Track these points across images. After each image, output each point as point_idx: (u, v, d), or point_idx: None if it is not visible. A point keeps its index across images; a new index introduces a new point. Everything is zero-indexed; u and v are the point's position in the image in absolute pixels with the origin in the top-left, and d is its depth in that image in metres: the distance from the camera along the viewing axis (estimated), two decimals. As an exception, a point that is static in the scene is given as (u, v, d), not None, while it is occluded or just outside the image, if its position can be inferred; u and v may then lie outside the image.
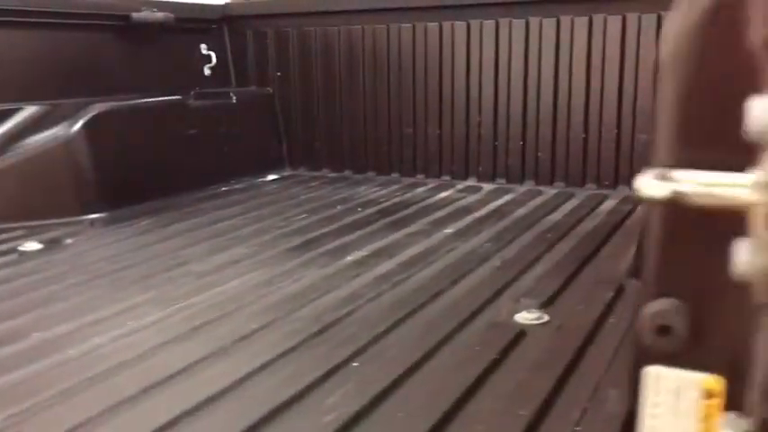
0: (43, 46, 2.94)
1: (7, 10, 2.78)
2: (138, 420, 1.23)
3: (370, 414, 1.23)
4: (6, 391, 1.35)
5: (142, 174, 3.01)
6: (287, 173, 3.79)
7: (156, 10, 3.37)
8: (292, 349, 1.51)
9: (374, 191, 3.26)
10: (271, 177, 3.68)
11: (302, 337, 1.57)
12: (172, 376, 1.39)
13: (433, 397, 1.28)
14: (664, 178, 0.47)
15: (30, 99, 2.82)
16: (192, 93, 3.45)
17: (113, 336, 1.60)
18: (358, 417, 1.22)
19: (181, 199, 3.04)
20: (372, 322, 1.66)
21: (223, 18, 3.87)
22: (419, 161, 3.52)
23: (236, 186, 3.41)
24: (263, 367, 1.42)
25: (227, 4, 3.90)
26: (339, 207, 2.91)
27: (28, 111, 2.79)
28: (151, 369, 1.42)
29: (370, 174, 3.63)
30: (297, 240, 2.41)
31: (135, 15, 3.29)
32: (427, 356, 1.46)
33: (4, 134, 2.72)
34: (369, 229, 2.54)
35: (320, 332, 1.60)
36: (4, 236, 2.47)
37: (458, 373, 1.37)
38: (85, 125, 2.80)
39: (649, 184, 0.48)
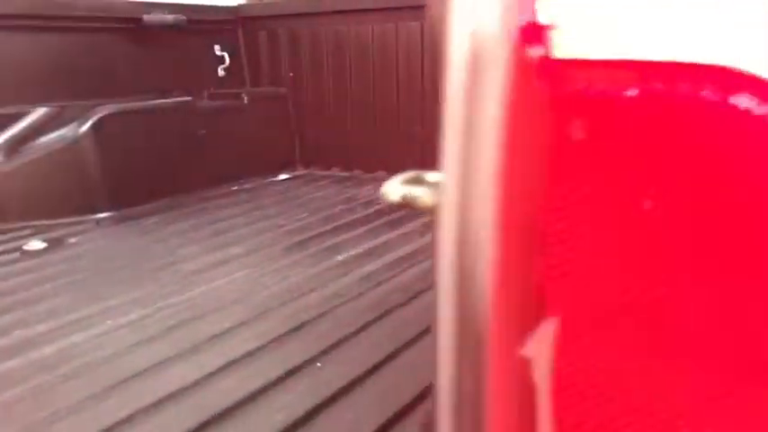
0: (55, 49, 3.00)
1: (19, 15, 2.84)
2: (96, 417, 1.26)
3: (320, 414, 1.25)
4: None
5: (151, 174, 3.05)
6: (298, 172, 3.82)
7: (167, 12, 3.42)
8: (260, 348, 1.53)
9: (379, 190, 3.26)
10: (282, 176, 3.71)
11: (273, 336, 1.59)
12: (137, 375, 1.42)
13: (385, 399, 1.29)
14: (410, 181, 0.48)
15: (41, 101, 2.88)
16: (205, 93, 3.49)
17: (91, 334, 1.64)
18: (308, 416, 1.24)
19: (189, 198, 3.09)
20: (346, 322, 1.67)
21: (236, 19, 3.91)
22: (428, 160, 3.52)
23: (246, 186, 3.45)
24: (227, 366, 1.44)
25: (240, 6, 3.94)
26: (340, 207, 2.92)
27: (38, 113, 2.85)
28: (119, 368, 1.46)
29: (380, 173, 3.63)
30: (292, 240, 2.43)
31: (146, 17, 3.34)
32: (390, 357, 1.47)
33: (16, 135, 2.78)
34: (364, 228, 2.55)
35: (292, 331, 1.62)
36: (11, 235, 2.53)
37: (416, 375, 1.38)
38: (93, 126, 2.85)
39: (391, 188, 0.49)
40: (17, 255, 2.33)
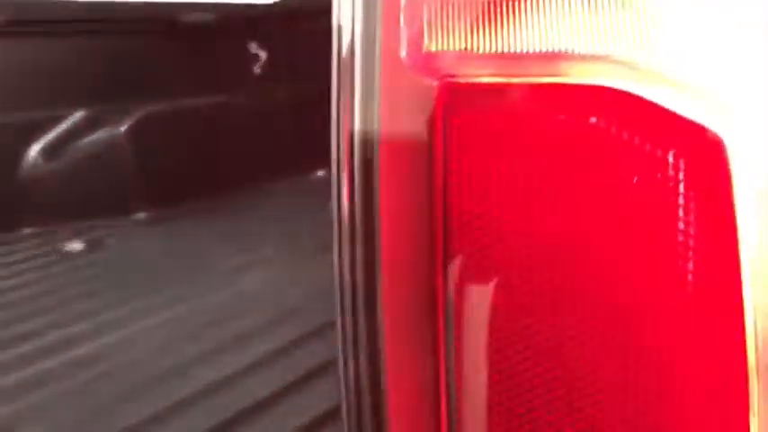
0: (91, 53, 3.05)
1: (56, 21, 2.90)
2: (125, 416, 1.29)
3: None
4: (8, 389, 1.42)
5: (187, 175, 3.09)
6: (336, 169, 3.82)
7: (202, 12, 3.44)
8: (286, 348, 1.55)
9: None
10: (319, 174, 3.72)
11: (299, 336, 1.60)
12: (166, 374, 1.44)
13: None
14: None
15: (79, 105, 2.93)
16: (241, 92, 3.52)
17: (123, 335, 1.66)
18: (329, 416, 1.25)
19: (226, 198, 3.10)
20: (375, 321, 1.67)
21: (272, 16, 3.92)
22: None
23: (283, 185, 3.46)
24: (252, 366, 1.45)
25: (275, 2, 3.95)
26: (375, 203, 2.92)
27: (77, 116, 2.90)
28: (149, 367, 1.48)
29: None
30: (327, 239, 2.42)
31: (182, 18, 3.37)
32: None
33: (55, 138, 2.84)
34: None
35: (319, 331, 1.63)
36: (50, 237, 2.58)
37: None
38: (130, 129, 2.90)
39: None
40: (56, 256, 2.38)
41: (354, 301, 0.49)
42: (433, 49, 0.47)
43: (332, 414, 1.25)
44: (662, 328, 0.44)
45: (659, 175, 0.43)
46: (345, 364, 0.50)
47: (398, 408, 0.50)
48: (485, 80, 0.46)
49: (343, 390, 0.51)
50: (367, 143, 0.47)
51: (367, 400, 0.50)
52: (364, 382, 0.50)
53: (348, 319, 0.49)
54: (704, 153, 0.42)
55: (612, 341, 0.46)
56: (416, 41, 0.47)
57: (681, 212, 0.42)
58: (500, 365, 0.48)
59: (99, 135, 2.89)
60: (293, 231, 2.55)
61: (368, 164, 0.48)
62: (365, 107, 0.47)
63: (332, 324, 1.67)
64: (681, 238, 0.42)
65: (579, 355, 0.47)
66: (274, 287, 1.96)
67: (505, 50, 0.45)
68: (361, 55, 0.47)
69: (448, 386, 0.49)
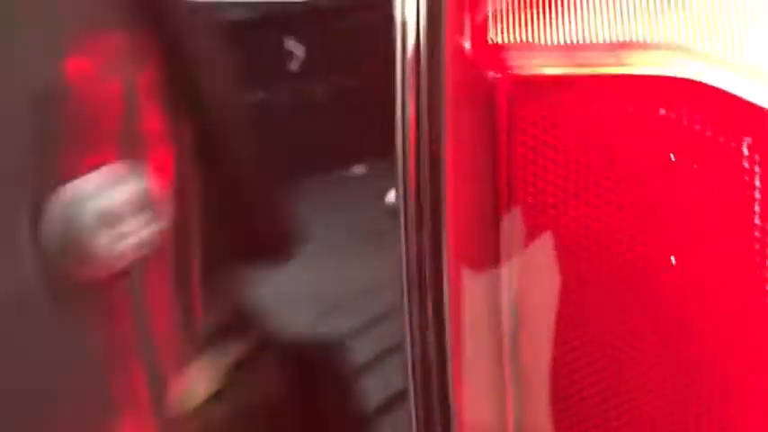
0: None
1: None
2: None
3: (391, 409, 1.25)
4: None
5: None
6: (376, 164, 3.81)
7: (237, 9, 3.45)
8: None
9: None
10: (357, 170, 3.71)
11: (341, 332, 1.59)
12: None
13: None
14: None
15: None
16: (278, 90, 3.52)
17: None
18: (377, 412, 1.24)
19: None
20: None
21: (308, 12, 3.92)
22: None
23: (323, 181, 3.46)
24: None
25: (313, -1, 3.95)
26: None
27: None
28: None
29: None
30: (366, 236, 2.42)
31: (221, 16, 3.38)
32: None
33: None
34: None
35: (362, 328, 1.62)
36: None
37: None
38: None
39: None
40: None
41: (421, 290, 0.49)
42: (498, 40, 0.47)
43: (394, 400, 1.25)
44: (730, 333, 0.43)
45: (732, 167, 0.41)
46: (412, 346, 0.50)
47: (463, 392, 0.50)
48: (549, 71, 0.46)
49: (409, 371, 0.51)
50: (432, 137, 0.47)
51: (434, 381, 0.50)
52: (432, 364, 0.49)
53: (415, 303, 0.49)
54: None
55: (675, 344, 0.45)
56: (481, 33, 0.47)
57: (756, 206, 0.41)
58: (560, 365, 0.48)
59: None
60: (335, 226, 2.55)
61: (434, 158, 0.47)
62: (430, 101, 0.47)
63: (375, 320, 1.67)
64: (757, 234, 0.41)
65: (638, 364, 0.46)
66: (315, 285, 1.95)
67: (570, 41, 0.45)
68: (426, 48, 0.47)
69: (512, 374, 0.49)
